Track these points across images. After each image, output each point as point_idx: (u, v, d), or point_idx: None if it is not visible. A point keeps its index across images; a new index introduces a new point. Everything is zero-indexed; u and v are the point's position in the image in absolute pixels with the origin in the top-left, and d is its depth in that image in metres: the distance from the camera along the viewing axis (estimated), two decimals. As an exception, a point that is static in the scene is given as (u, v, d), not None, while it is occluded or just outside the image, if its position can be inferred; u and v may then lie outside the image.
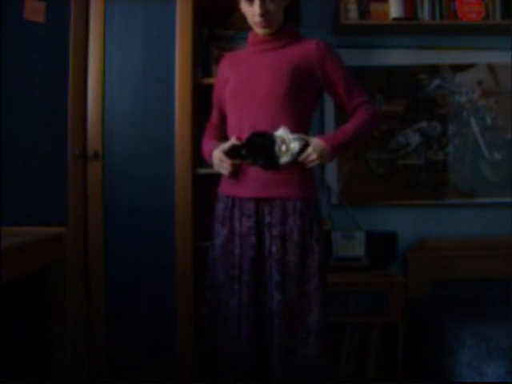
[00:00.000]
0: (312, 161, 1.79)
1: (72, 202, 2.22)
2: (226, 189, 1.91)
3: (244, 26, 1.93)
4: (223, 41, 2.50)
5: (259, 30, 1.87)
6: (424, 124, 2.84)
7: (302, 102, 1.86)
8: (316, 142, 1.80)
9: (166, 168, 2.24)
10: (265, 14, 1.80)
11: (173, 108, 2.24)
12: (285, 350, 1.77)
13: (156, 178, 2.25)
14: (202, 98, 2.30)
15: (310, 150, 1.78)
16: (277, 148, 1.74)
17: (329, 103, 2.73)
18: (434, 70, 2.83)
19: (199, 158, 2.20)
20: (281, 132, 1.75)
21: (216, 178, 2.02)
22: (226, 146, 1.85)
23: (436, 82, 2.84)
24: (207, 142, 2.02)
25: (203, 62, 2.46)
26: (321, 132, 2.73)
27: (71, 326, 1.97)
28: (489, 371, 1.90)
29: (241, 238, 1.81)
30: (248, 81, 1.85)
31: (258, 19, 1.81)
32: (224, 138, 1.99)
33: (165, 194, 2.25)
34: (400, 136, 2.84)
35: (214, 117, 2.08)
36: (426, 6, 2.63)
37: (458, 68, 2.84)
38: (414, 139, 2.84)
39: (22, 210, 2.08)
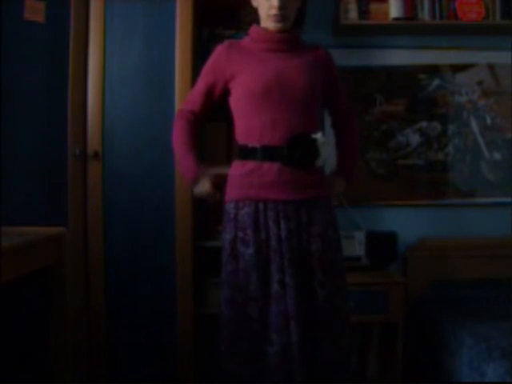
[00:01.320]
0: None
1: (72, 202, 2.22)
2: (250, 193, 1.80)
3: (255, 22, 1.89)
4: (223, 41, 2.49)
5: (272, 25, 1.82)
6: (424, 124, 2.84)
7: (319, 105, 1.91)
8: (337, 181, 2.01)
9: (166, 168, 2.24)
10: (283, 7, 1.79)
11: (173, 108, 2.24)
12: (331, 345, 1.78)
13: (156, 178, 2.25)
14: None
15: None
16: (320, 151, 1.81)
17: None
18: (434, 70, 2.83)
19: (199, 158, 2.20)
20: (320, 136, 1.81)
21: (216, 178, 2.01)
22: (213, 175, 1.84)
23: (436, 81, 2.84)
24: (186, 150, 1.88)
25: (203, 62, 2.45)
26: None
27: (71, 326, 1.97)
28: (489, 371, 1.90)
29: (279, 241, 1.76)
30: (281, 81, 1.79)
31: (274, 12, 1.79)
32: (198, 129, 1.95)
33: (165, 193, 2.25)
34: (400, 136, 2.84)
35: (198, 103, 1.93)
36: (426, 6, 2.63)
37: (458, 68, 2.84)
38: (414, 139, 2.84)
39: (22, 210, 2.08)
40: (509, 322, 2.21)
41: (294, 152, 1.77)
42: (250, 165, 1.81)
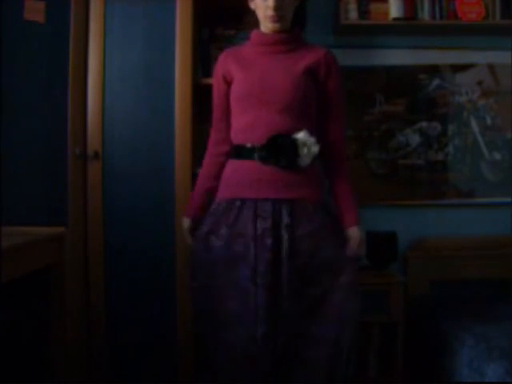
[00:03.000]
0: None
1: (72, 202, 2.22)
2: (231, 191, 1.85)
3: (257, 26, 1.90)
4: (223, 41, 2.50)
5: (269, 25, 1.84)
6: (424, 124, 2.85)
7: (310, 106, 1.87)
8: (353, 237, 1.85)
9: (166, 168, 2.24)
10: (279, 7, 1.80)
11: (173, 108, 2.24)
12: (321, 343, 1.78)
13: (156, 178, 2.25)
14: (202, 98, 2.30)
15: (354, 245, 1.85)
16: (300, 150, 1.79)
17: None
18: (434, 70, 2.84)
19: (199, 158, 2.20)
20: (302, 135, 1.80)
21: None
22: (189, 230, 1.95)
23: (436, 81, 2.84)
24: (196, 192, 1.99)
25: (203, 62, 2.46)
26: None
27: (71, 325, 1.97)
28: (489, 371, 1.90)
29: (255, 240, 1.77)
30: (263, 83, 1.81)
31: (271, 13, 1.80)
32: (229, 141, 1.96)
33: (165, 193, 2.24)
34: (400, 136, 2.84)
35: (220, 119, 1.96)
36: (426, 6, 2.64)
37: (458, 68, 2.85)
38: (414, 139, 2.84)
39: (22, 210, 2.08)
40: (509, 322, 2.21)
41: (271, 151, 1.78)
42: (235, 164, 1.87)
